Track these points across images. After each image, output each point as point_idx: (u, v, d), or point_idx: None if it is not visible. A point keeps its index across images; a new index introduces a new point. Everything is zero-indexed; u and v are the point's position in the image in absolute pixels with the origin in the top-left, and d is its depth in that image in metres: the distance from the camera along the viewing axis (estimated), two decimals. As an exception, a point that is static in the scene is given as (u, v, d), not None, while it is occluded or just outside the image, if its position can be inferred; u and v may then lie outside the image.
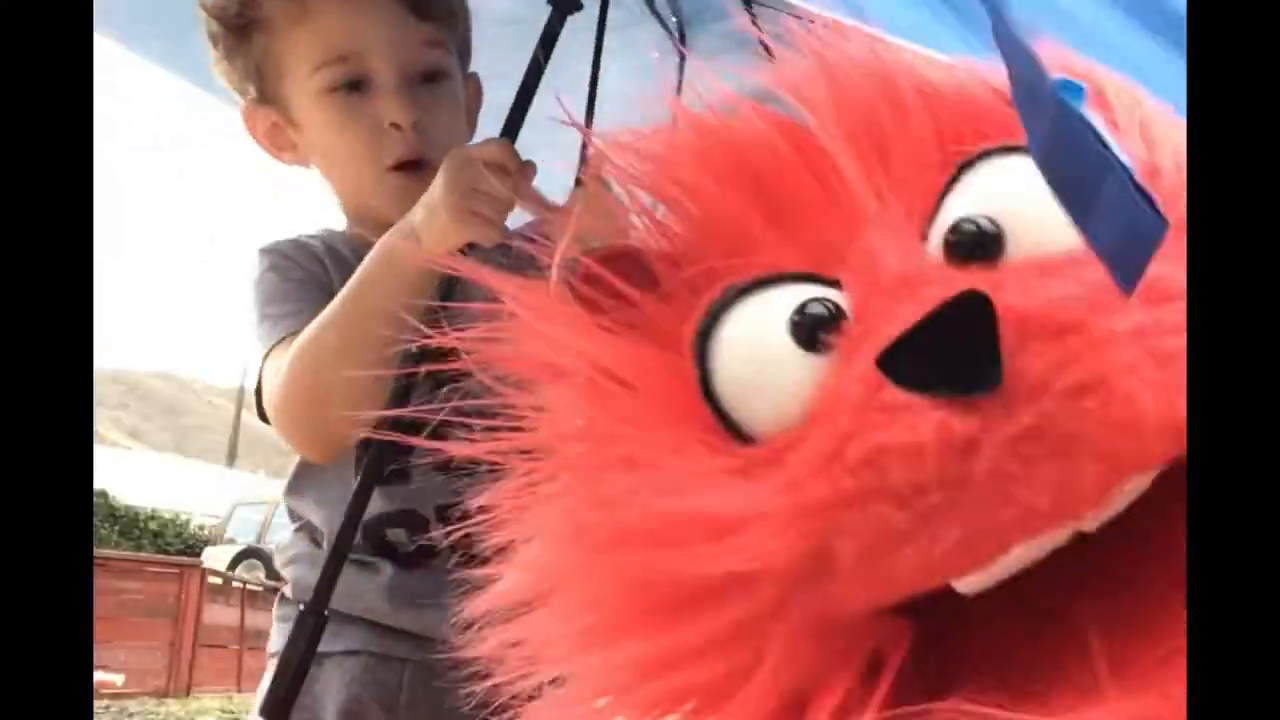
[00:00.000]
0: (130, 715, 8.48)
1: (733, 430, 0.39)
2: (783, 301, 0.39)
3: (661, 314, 0.43)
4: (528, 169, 0.92)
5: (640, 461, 0.40)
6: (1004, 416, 0.32)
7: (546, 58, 1.06)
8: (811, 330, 0.38)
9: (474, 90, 1.18)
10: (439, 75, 1.08)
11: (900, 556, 0.34)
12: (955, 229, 0.37)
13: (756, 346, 0.38)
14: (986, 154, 0.38)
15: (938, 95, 0.40)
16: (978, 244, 0.37)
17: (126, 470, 11.28)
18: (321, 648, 1.00)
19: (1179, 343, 0.35)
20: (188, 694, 9.61)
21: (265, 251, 1.11)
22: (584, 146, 0.58)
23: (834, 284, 0.39)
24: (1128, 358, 0.33)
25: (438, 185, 0.92)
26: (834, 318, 0.38)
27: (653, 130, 0.45)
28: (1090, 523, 0.35)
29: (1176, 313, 0.35)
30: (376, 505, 1.03)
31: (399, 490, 1.06)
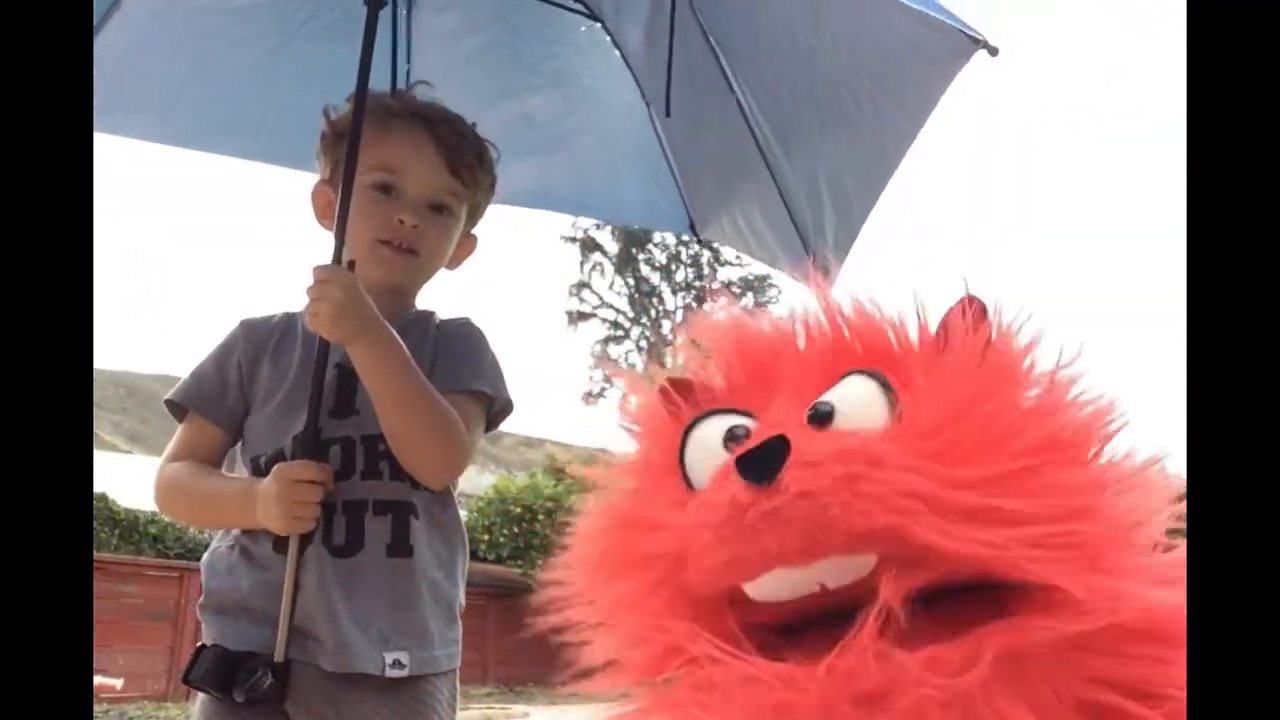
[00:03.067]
0: (130, 719, 8.48)
1: (687, 481, 0.74)
2: (725, 423, 0.75)
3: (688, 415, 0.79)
4: (328, 472, 1.33)
5: (642, 490, 0.77)
6: (765, 499, 0.62)
7: (369, 50, 1.45)
8: (729, 440, 0.73)
9: (469, 244, 1.60)
10: (444, 210, 1.50)
11: (701, 564, 0.66)
12: (818, 405, 0.71)
13: (708, 444, 0.74)
14: (849, 373, 0.73)
15: (832, 334, 0.77)
16: (819, 415, 0.70)
17: (126, 473, 11.25)
18: (241, 646, 1.32)
19: (876, 486, 0.61)
20: (187, 698, 9.60)
21: (239, 322, 1.52)
22: None
23: (753, 416, 0.75)
24: (833, 487, 0.62)
25: (270, 496, 1.31)
26: (743, 436, 0.72)
27: (710, 319, 0.85)
28: (829, 578, 0.64)
29: (878, 461, 0.63)
30: None
31: None
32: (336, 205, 1.45)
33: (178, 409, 1.47)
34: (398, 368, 1.35)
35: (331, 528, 1.35)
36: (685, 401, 0.80)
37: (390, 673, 1.32)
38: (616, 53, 1.91)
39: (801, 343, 0.77)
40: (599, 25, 1.88)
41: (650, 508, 0.73)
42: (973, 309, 0.73)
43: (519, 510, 12.76)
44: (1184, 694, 0.60)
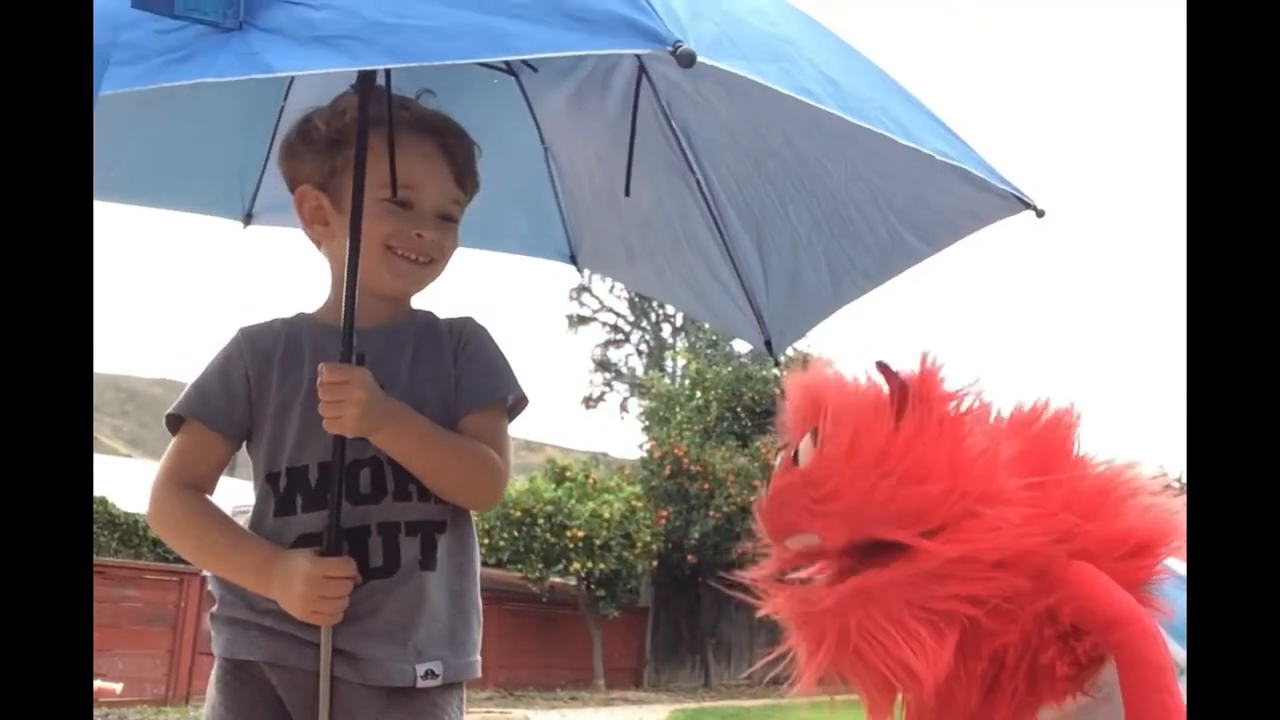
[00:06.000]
0: (129, 723, 8.45)
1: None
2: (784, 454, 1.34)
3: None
4: (353, 567, 1.33)
5: None
6: (761, 505, 1.33)
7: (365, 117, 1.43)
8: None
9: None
10: (450, 219, 1.53)
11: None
12: (796, 451, 1.28)
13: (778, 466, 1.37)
14: (811, 430, 1.27)
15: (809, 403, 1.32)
16: (796, 458, 1.27)
17: (126, 477, 11.24)
18: (252, 656, 1.36)
19: (789, 504, 1.27)
20: (186, 702, 9.60)
21: (237, 333, 1.50)
22: None
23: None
24: (777, 505, 1.30)
25: (296, 584, 1.30)
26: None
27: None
28: (795, 545, 1.30)
29: (792, 490, 1.28)
30: (300, 527, 1.38)
31: (317, 516, 1.38)
32: (333, 213, 1.47)
33: (178, 421, 1.45)
34: (426, 442, 1.38)
35: (368, 551, 1.36)
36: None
37: (422, 683, 1.35)
38: (525, 104, 1.99)
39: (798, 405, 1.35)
40: (513, 79, 1.93)
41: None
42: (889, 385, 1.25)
43: (519, 514, 12.75)
44: (1024, 609, 1.13)
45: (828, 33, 1.44)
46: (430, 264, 1.50)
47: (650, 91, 1.75)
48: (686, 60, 0.96)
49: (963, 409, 1.24)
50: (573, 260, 2.25)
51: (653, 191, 1.89)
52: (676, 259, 2.10)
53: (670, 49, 0.96)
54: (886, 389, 1.25)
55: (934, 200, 1.63)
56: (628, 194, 1.74)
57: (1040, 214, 1.56)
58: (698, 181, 1.87)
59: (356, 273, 1.37)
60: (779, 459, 1.32)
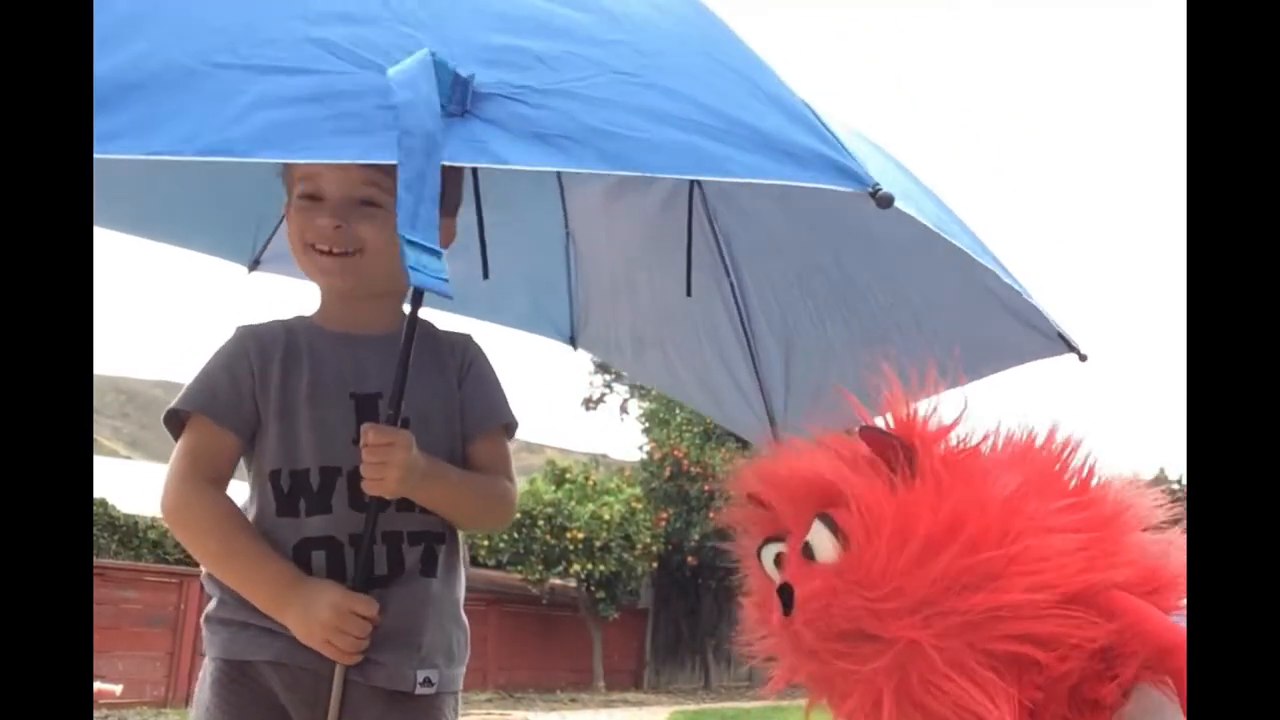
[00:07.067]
0: (129, 725, 8.43)
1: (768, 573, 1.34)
2: (774, 549, 1.31)
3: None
4: (375, 607, 1.33)
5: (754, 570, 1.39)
6: (790, 623, 1.22)
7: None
8: (776, 563, 1.30)
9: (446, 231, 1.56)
10: (371, 203, 1.41)
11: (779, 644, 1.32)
12: (805, 544, 1.23)
13: (768, 561, 1.33)
14: (819, 515, 1.22)
15: (809, 475, 1.26)
16: (808, 551, 1.22)
17: (126, 479, 11.24)
18: (252, 656, 1.34)
19: (840, 611, 1.17)
20: (186, 704, 9.59)
21: (238, 330, 1.49)
22: None
23: (784, 539, 1.29)
24: (820, 615, 1.19)
25: (322, 611, 1.30)
26: (780, 560, 1.29)
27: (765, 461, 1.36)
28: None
29: (835, 593, 1.19)
30: (304, 531, 1.38)
31: (321, 520, 1.38)
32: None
33: (182, 419, 1.42)
34: (454, 491, 1.42)
35: (371, 559, 1.37)
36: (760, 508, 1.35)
37: (420, 690, 1.36)
38: (558, 191, 2.03)
39: (793, 483, 1.28)
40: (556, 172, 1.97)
41: (759, 589, 1.35)
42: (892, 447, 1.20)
43: (519, 515, 12.73)
44: (1088, 643, 1.10)
45: (916, 177, 1.50)
46: (355, 254, 1.42)
47: (700, 196, 1.82)
48: (886, 203, 1.03)
49: (958, 440, 1.22)
50: (571, 342, 2.30)
51: (681, 288, 1.94)
52: (693, 356, 2.15)
53: (870, 191, 1.03)
54: (881, 452, 1.20)
55: (981, 334, 1.69)
56: (689, 294, 1.83)
57: (1083, 358, 1.60)
58: (730, 285, 1.94)
59: (415, 328, 1.38)
60: (773, 554, 1.28)
